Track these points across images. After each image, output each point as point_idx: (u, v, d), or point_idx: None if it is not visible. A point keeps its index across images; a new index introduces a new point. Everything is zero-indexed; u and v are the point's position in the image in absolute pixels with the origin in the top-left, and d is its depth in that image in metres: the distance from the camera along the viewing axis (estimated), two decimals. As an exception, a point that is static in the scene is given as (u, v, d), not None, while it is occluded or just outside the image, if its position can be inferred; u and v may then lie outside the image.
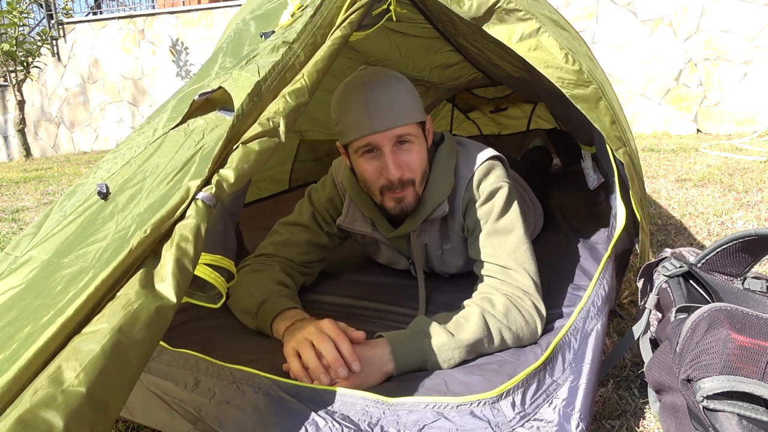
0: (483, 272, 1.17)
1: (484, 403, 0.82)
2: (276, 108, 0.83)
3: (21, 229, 2.74)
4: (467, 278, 1.24)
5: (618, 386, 1.06)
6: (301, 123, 2.19)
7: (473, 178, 1.22)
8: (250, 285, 1.22)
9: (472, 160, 1.24)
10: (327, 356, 0.93)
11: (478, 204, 1.21)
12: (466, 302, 1.08)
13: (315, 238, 1.39)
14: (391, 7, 1.17)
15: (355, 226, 1.35)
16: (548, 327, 1.10)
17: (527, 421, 0.80)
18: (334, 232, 1.42)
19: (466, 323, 1.01)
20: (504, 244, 1.16)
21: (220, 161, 0.76)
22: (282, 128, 0.81)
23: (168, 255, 0.66)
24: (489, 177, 1.22)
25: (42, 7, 7.24)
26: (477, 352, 1.01)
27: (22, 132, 6.57)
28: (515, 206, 1.20)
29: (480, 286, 1.15)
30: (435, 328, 1.00)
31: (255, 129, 0.79)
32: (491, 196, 1.20)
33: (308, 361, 0.93)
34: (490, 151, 1.25)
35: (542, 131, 3.03)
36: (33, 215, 3.08)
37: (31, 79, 6.83)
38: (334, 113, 1.17)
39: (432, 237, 1.32)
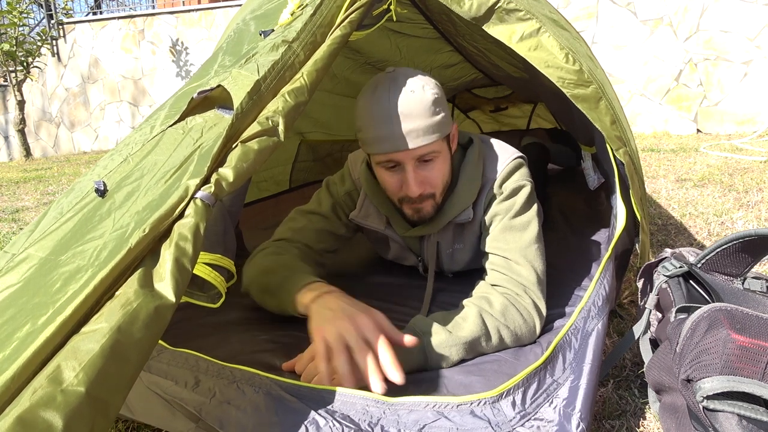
0: (489, 265, 1.18)
1: (485, 403, 0.82)
2: (275, 107, 0.83)
3: (21, 229, 2.74)
4: (472, 279, 1.24)
5: (618, 386, 1.06)
6: (301, 124, 2.19)
7: (498, 179, 1.22)
8: (269, 265, 1.20)
9: (498, 161, 1.23)
10: (362, 368, 0.87)
11: (498, 200, 1.21)
12: (464, 302, 1.08)
13: (333, 227, 1.38)
14: (392, 7, 1.17)
15: (368, 222, 1.34)
16: (549, 327, 1.10)
17: (527, 420, 0.80)
18: (351, 225, 1.42)
19: (463, 322, 1.01)
20: (517, 240, 1.16)
21: (219, 160, 0.76)
22: (281, 127, 0.81)
23: (167, 254, 0.66)
24: (514, 176, 1.22)
25: (42, 7, 7.23)
26: (476, 351, 1.01)
27: (22, 132, 6.57)
28: (534, 207, 1.20)
29: (480, 284, 1.15)
30: (433, 327, 1.00)
31: (254, 128, 0.79)
32: (513, 193, 1.20)
33: (339, 367, 0.87)
34: (514, 151, 1.26)
35: (542, 131, 3.03)
36: (33, 215, 3.08)
37: (31, 79, 6.83)
38: (357, 120, 1.13)
39: (446, 236, 1.32)
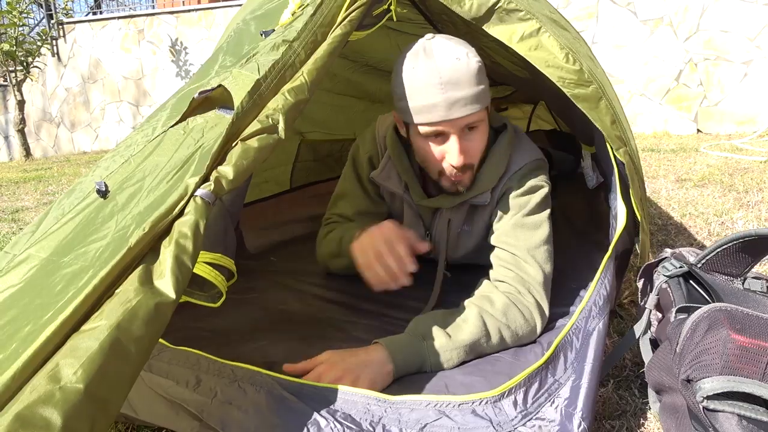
0: (496, 259, 1.18)
1: (486, 402, 0.82)
2: (275, 105, 0.83)
3: (21, 229, 2.74)
4: (474, 279, 1.24)
5: (618, 386, 1.06)
6: (301, 124, 2.19)
7: (519, 171, 1.22)
8: (330, 237, 1.37)
9: (524, 155, 1.24)
10: (387, 265, 1.09)
11: (515, 194, 1.21)
12: (465, 302, 1.08)
13: (367, 206, 1.42)
14: (392, 8, 1.17)
15: (388, 184, 1.33)
16: (550, 326, 1.10)
17: (529, 420, 0.80)
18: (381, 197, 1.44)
19: (464, 324, 1.01)
20: (527, 239, 1.16)
21: (219, 159, 0.76)
22: (281, 125, 0.81)
23: (167, 252, 0.66)
24: (534, 174, 1.22)
25: (42, 7, 7.24)
26: (476, 352, 1.00)
27: (22, 132, 6.57)
28: (548, 210, 1.21)
29: (483, 282, 1.15)
30: (433, 330, 1.00)
31: (254, 126, 0.80)
32: (530, 191, 1.21)
33: (376, 272, 1.10)
34: (540, 151, 1.27)
35: (542, 132, 3.03)
36: (33, 215, 3.08)
37: (31, 79, 6.83)
38: (399, 87, 1.10)
39: (458, 216, 1.31)
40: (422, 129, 1.10)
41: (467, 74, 1.05)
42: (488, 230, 1.28)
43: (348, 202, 1.42)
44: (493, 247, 1.22)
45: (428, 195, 1.31)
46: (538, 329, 1.06)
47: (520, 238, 1.16)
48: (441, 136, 1.11)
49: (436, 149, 1.13)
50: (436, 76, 1.04)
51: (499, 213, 1.23)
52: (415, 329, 1.01)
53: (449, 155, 1.11)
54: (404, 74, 1.09)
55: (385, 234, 1.13)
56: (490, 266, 1.19)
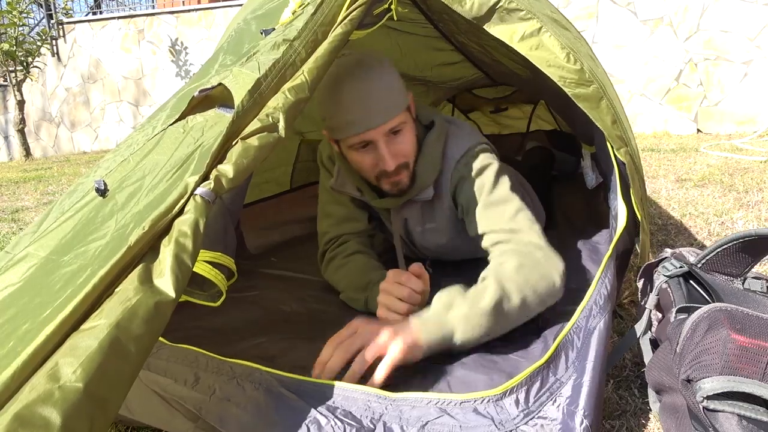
0: (488, 242, 1.18)
1: (488, 401, 0.82)
2: (275, 104, 0.83)
3: (21, 229, 2.73)
4: (457, 272, 1.23)
5: (618, 386, 1.06)
6: (301, 124, 2.19)
7: (462, 159, 1.24)
8: (348, 281, 1.31)
9: (461, 144, 1.26)
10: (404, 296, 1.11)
11: (468, 182, 1.22)
12: (482, 274, 1.07)
13: (349, 210, 1.42)
14: (393, 7, 1.17)
15: (346, 189, 1.37)
16: (550, 325, 1.10)
17: (531, 419, 0.80)
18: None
19: (483, 290, 1.00)
20: (502, 213, 1.17)
21: (219, 157, 0.76)
22: (282, 124, 0.81)
23: (166, 251, 0.66)
24: (478, 158, 1.24)
25: (42, 7, 7.24)
26: (500, 316, 0.99)
27: (22, 132, 6.57)
28: (506, 179, 1.22)
29: (491, 257, 1.15)
30: (456, 299, 0.99)
31: (254, 125, 0.80)
32: (481, 171, 1.22)
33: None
34: (481, 139, 1.27)
35: (542, 132, 3.03)
36: (33, 215, 3.08)
37: (31, 79, 6.84)
38: (323, 109, 1.17)
39: (413, 214, 1.34)
40: (350, 142, 1.16)
41: (382, 82, 1.12)
42: (456, 225, 1.31)
43: (335, 218, 1.43)
44: (470, 242, 1.23)
45: (381, 195, 1.33)
46: (557, 283, 1.06)
47: (493, 217, 1.17)
48: (369, 146, 1.16)
49: (367, 158, 1.18)
50: (353, 91, 1.11)
51: (464, 205, 1.24)
52: (438, 301, 1.00)
53: (381, 162, 1.16)
54: (325, 95, 1.15)
55: (394, 280, 1.15)
56: (470, 261, 1.20)
